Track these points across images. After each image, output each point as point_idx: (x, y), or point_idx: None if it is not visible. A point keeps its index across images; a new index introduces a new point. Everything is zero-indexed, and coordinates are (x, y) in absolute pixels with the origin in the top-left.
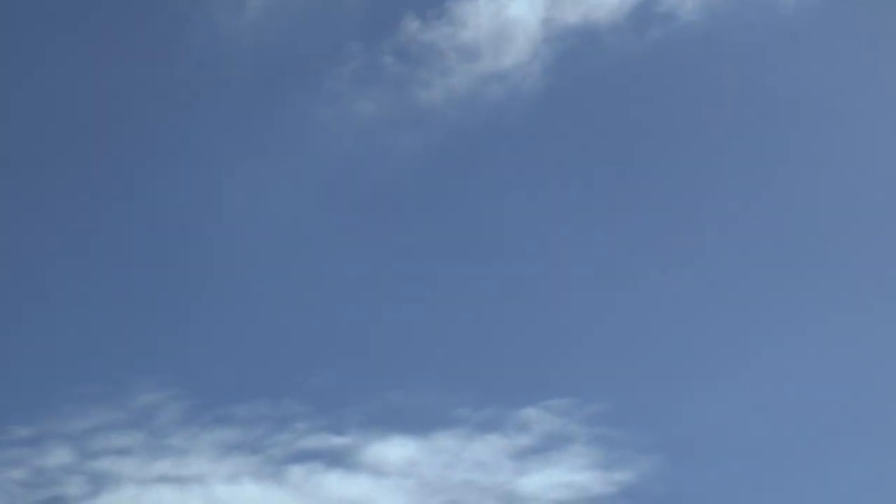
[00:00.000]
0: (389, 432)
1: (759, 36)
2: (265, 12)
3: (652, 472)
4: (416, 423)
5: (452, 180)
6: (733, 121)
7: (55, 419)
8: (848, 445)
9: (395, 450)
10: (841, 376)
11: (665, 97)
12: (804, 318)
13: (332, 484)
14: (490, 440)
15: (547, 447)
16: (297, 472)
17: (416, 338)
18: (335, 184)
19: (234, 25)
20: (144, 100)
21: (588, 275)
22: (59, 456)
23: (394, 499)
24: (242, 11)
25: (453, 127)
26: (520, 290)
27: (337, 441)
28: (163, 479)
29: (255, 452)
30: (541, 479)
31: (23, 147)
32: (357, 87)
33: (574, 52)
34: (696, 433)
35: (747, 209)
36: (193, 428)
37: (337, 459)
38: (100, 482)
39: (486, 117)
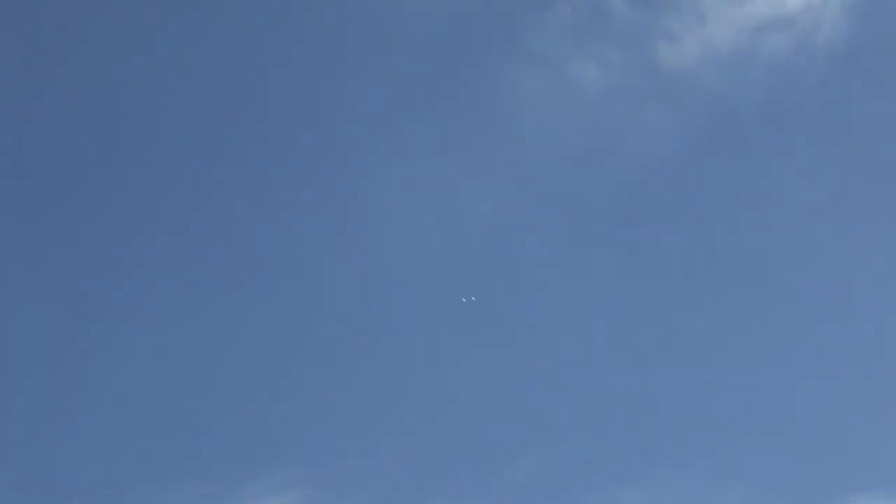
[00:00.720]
0: None
1: None
2: None
3: None
4: None
5: (717, 171)
6: None
7: None
8: None
9: None
10: None
11: None
12: None
13: None
14: None
15: None
16: None
17: (676, 404)
18: (550, 180)
19: None
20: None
21: None
22: None
23: None
24: None
25: (716, 96)
26: (830, 318)
27: None
28: None
29: None
30: None
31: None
32: (575, 44)
33: None
34: None
35: None
36: None
37: None
38: None
39: (763, 81)
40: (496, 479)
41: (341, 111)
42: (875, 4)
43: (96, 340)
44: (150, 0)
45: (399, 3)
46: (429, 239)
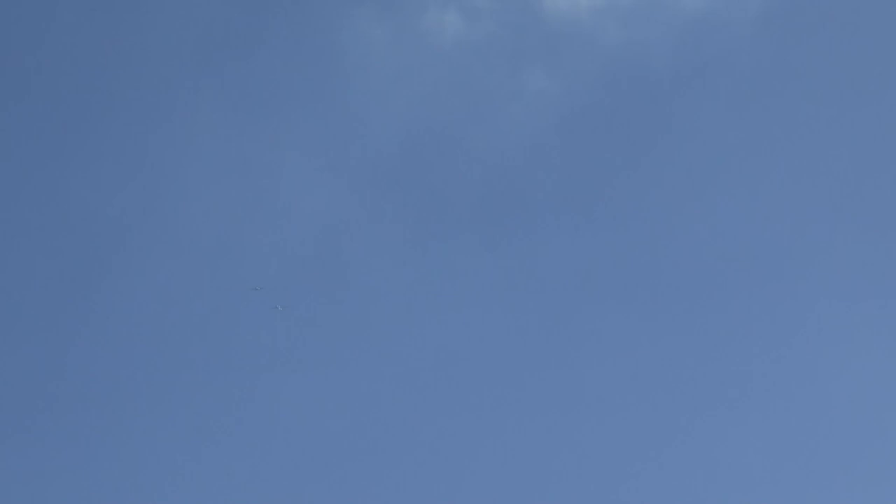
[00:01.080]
0: None
1: None
2: None
3: None
4: None
5: (616, 147)
6: None
7: None
8: None
9: None
10: None
11: None
12: None
13: None
14: None
15: None
16: None
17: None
18: (397, 160)
19: None
20: None
21: None
22: None
23: None
24: None
25: (616, 54)
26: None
27: None
28: None
29: None
30: None
31: None
32: None
33: None
34: None
35: None
36: None
37: None
38: None
39: (677, 33)
40: None
41: (120, 66)
42: None
43: None
44: None
45: None
46: (233, 235)
